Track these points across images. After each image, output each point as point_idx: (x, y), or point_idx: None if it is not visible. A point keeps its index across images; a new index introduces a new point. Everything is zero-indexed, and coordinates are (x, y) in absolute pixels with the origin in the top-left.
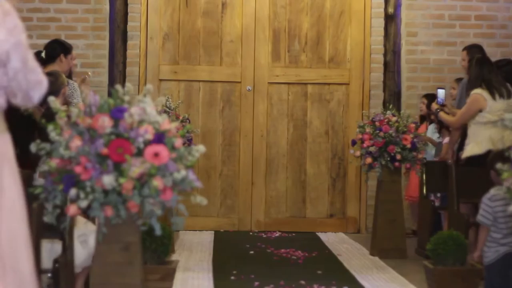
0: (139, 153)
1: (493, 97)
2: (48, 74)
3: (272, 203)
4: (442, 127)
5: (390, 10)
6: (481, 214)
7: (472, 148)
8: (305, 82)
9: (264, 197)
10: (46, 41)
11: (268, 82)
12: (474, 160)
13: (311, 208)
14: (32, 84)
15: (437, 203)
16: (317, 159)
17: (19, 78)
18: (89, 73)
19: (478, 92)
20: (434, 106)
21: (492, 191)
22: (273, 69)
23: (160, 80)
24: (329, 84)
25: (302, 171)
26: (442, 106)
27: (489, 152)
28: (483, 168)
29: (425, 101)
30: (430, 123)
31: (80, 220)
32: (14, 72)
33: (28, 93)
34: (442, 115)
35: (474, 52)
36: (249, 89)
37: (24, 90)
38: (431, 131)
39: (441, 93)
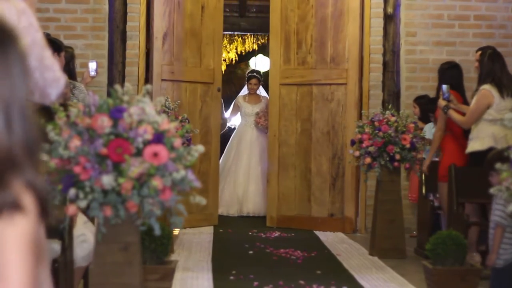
0: (138, 153)
1: (501, 95)
2: None
3: (284, 201)
4: None
5: (389, 10)
6: (498, 215)
7: (474, 144)
8: (310, 83)
9: (277, 195)
10: None
11: (280, 84)
12: (476, 156)
13: (316, 207)
14: (49, 82)
15: (436, 203)
16: (320, 158)
17: (35, 76)
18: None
19: (487, 88)
20: (442, 102)
21: (492, 191)
22: (284, 71)
23: (162, 80)
24: (330, 84)
25: (308, 170)
26: (449, 101)
27: (490, 149)
28: (483, 168)
29: (416, 106)
30: (426, 123)
31: (80, 220)
32: (31, 71)
33: (45, 91)
34: (451, 113)
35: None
36: (218, 89)
37: (41, 88)
38: (428, 131)
39: (445, 88)
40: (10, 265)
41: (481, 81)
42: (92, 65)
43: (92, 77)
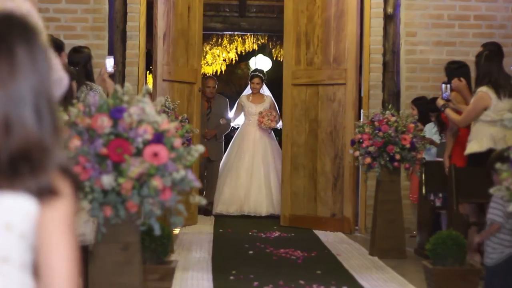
0: (138, 153)
1: (498, 96)
2: None
3: (295, 200)
4: (443, 128)
5: (389, 10)
6: (493, 213)
7: (472, 146)
8: (316, 83)
9: (289, 194)
10: None
11: (292, 84)
12: (475, 158)
13: (321, 207)
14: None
15: (438, 203)
16: (324, 158)
17: None
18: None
19: (484, 90)
20: (440, 101)
21: (492, 191)
22: (295, 72)
23: (163, 80)
24: (332, 84)
25: (314, 170)
26: (447, 101)
27: (490, 151)
28: (483, 168)
29: (414, 107)
30: (426, 123)
31: (81, 218)
32: None
33: None
34: (448, 112)
35: (491, 49)
36: (199, 89)
37: None
38: (429, 131)
39: (444, 87)
40: (54, 248)
41: (478, 82)
42: (110, 61)
43: (109, 73)
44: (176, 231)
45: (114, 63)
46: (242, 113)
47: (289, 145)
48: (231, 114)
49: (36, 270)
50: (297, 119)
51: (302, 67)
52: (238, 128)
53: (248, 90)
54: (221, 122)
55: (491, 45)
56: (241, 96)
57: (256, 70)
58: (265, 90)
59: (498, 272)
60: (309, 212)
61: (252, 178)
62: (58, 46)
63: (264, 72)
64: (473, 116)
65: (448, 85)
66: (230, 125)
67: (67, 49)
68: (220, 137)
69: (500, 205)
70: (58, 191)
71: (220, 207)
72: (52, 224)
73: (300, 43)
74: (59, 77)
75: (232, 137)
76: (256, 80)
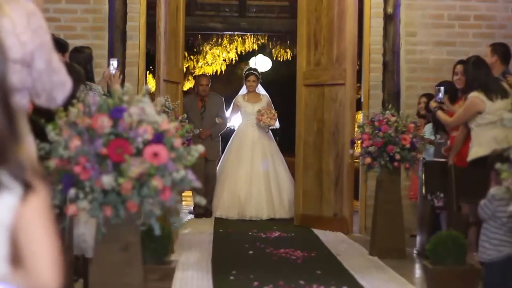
0: (138, 153)
1: (490, 99)
2: None
3: (305, 200)
4: (438, 127)
5: (389, 10)
6: (481, 208)
7: (477, 151)
8: (322, 84)
9: (301, 194)
10: None
11: (303, 85)
12: (480, 162)
13: (325, 206)
14: (56, 85)
15: (440, 203)
16: (328, 158)
17: (43, 79)
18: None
19: (475, 95)
20: (433, 104)
21: (493, 191)
22: (306, 72)
23: (164, 80)
24: (335, 84)
25: (320, 170)
26: (441, 103)
27: None
28: (483, 169)
29: (425, 100)
30: (427, 122)
31: (81, 218)
32: (38, 73)
33: (51, 94)
34: (439, 114)
35: (499, 49)
36: (182, 90)
37: (48, 91)
38: (428, 131)
39: (437, 89)
40: (36, 239)
41: (468, 88)
42: (114, 63)
43: (113, 76)
44: (186, 231)
45: (118, 65)
46: (239, 113)
47: (301, 145)
48: (227, 114)
49: (13, 260)
50: (307, 119)
51: (311, 67)
52: (234, 129)
53: (243, 90)
54: (217, 121)
55: (500, 46)
56: (236, 96)
57: (250, 68)
58: (260, 89)
59: (497, 272)
60: (316, 212)
61: (252, 182)
62: (61, 46)
63: (259, 71)
64: (463, 119)
65: (442, 88)
66: (226, 124)
67: None
68: (216, 136)
69: (488, 201)
70: (32, 185)
71: (220, 212)
72: (31, 217)
73: (310, 44)
74: (62, 80)
75: (230, 135)
76: (251, 77)
